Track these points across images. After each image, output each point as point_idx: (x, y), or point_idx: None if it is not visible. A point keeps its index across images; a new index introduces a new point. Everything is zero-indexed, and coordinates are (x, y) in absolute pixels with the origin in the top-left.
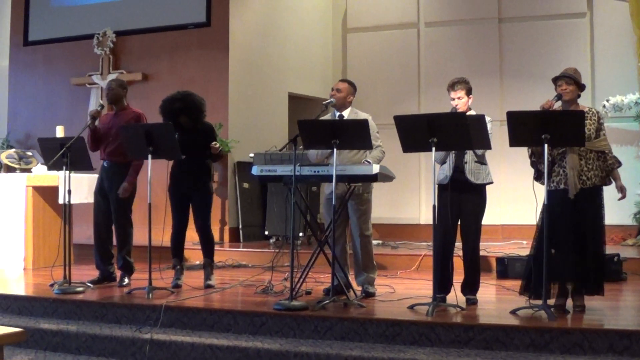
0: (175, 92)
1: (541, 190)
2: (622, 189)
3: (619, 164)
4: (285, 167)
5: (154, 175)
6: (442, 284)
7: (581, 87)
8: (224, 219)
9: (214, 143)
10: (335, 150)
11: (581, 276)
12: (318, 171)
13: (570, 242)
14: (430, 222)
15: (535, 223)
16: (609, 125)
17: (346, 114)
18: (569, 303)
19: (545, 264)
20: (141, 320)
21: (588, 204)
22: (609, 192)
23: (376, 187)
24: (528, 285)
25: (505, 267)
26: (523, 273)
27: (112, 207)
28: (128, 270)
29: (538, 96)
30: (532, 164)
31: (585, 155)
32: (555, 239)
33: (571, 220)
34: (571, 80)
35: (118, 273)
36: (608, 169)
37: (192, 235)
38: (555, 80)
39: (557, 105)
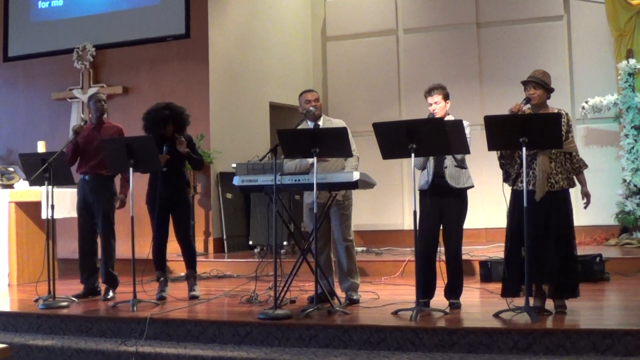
0: (154, 104)
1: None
2: (587, 195)
3: (585, 166)
4: (266, 177)
5: (135, 188)
6: (425, 289)
7: (549, 90)
8: (208, 230)
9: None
10: (315, 159)
11: (557, 278)
12: (299, 180)
13: (541, 244)
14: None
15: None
16: (588, 127)
17: (321, 122)
18: (550, 304)
19: (523, 265)
20: (126, 333)
21: (557, 207)
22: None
23: (359, 194)
24: (506, 286)
25: (489, 271)
26: (502, 275)
27: (99, 220)
28: (113, 283)
29: (518, 100)
30: (501, 166)
31: (556, 158)
32: (527, 239)
33: (540, 222)
34: (538, 85)
35: (102, 287)
36: (575, 171)
37: (175, 246)
38: (525, 83)
39: (526, 107)
